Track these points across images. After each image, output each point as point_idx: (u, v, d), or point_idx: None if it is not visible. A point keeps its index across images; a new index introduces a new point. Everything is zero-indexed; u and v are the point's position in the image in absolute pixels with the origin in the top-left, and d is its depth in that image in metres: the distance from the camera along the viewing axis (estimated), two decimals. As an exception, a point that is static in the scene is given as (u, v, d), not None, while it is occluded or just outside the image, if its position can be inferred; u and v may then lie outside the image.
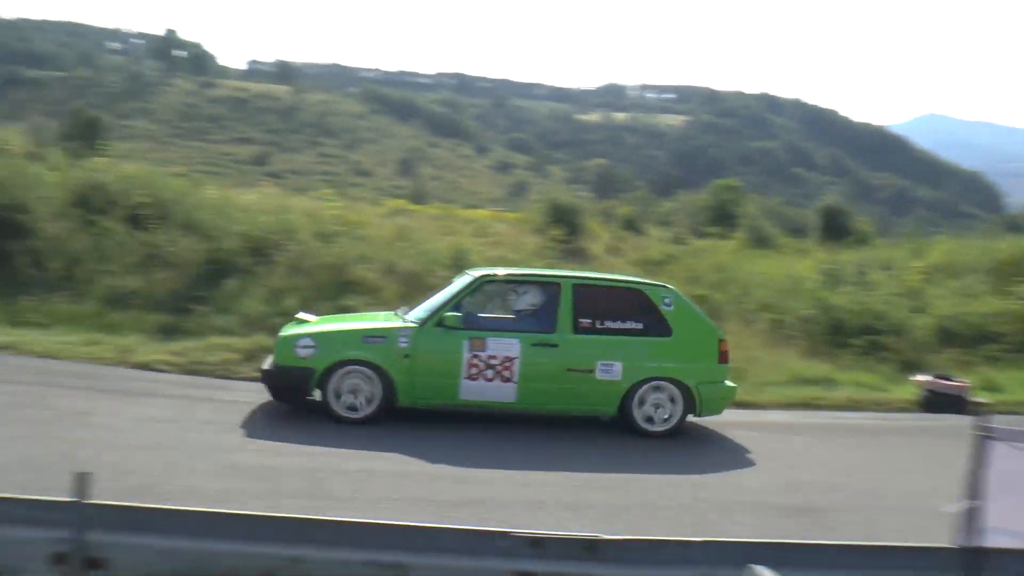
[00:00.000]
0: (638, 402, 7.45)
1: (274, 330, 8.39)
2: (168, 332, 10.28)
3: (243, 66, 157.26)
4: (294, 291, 11.36)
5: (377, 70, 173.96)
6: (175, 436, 6.69)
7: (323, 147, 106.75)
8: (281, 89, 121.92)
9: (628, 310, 7.54)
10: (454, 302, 7.47)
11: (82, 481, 3.06)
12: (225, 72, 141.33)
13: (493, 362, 7.23)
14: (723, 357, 7.60)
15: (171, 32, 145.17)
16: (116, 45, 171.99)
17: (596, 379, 7.38)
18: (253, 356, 9.22)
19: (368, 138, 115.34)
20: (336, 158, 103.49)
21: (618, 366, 7.37)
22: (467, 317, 7.44)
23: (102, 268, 11.68)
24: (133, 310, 10.84)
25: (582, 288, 7.58)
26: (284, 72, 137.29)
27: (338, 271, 11.88)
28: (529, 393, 7.35)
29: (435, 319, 7.35)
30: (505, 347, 7.27)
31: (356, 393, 7.22)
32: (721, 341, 7.61)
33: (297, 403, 7.44)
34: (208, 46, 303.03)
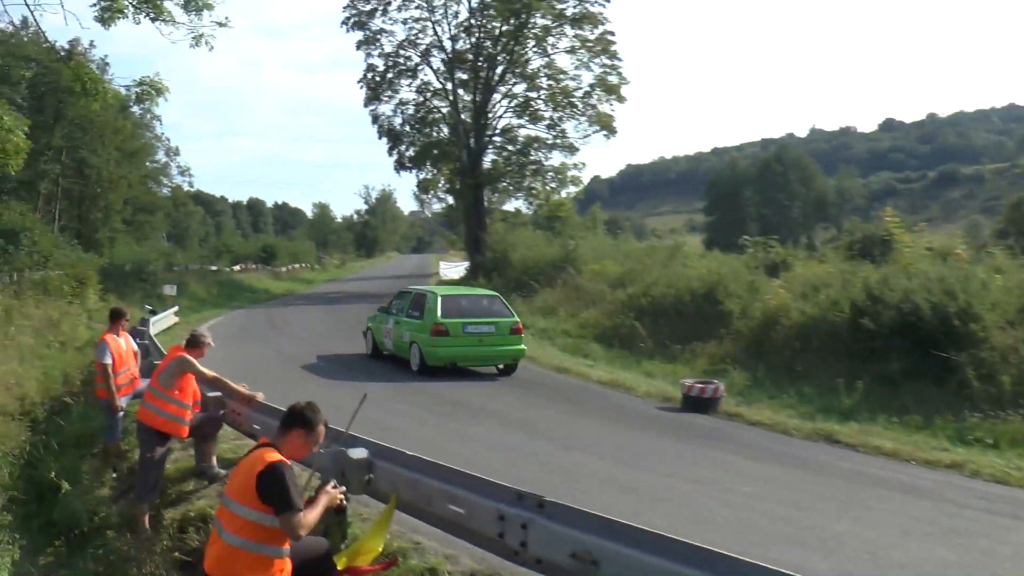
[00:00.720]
0: (413, 352, 16.02)
1: None
2: None
3: None
4: None
5: None
6: None
7: None
8: None
9: (418, 305, 16.33)
10: (389, 301, 18.01)
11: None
12: None
13: (388, 330, 17.19)
14: (434, 332, 15.51)
15: None
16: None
17: (404, 340, 16.40)
18: None
19: None
20: None
21: (408, 334, 16.23)
22: (395, 309, 17.33)
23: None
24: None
25: (416, 294, 16.90)
26: None
27: None
28: (394, 345, 16.94)
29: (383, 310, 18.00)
30: (390, 323, 17.07)
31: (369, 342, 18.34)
32: (434, 324, 15.50)
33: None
34: None
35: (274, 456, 4.54)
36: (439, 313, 15.54)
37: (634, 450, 10.25)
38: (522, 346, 16.04)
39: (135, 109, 44.62)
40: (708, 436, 11.17)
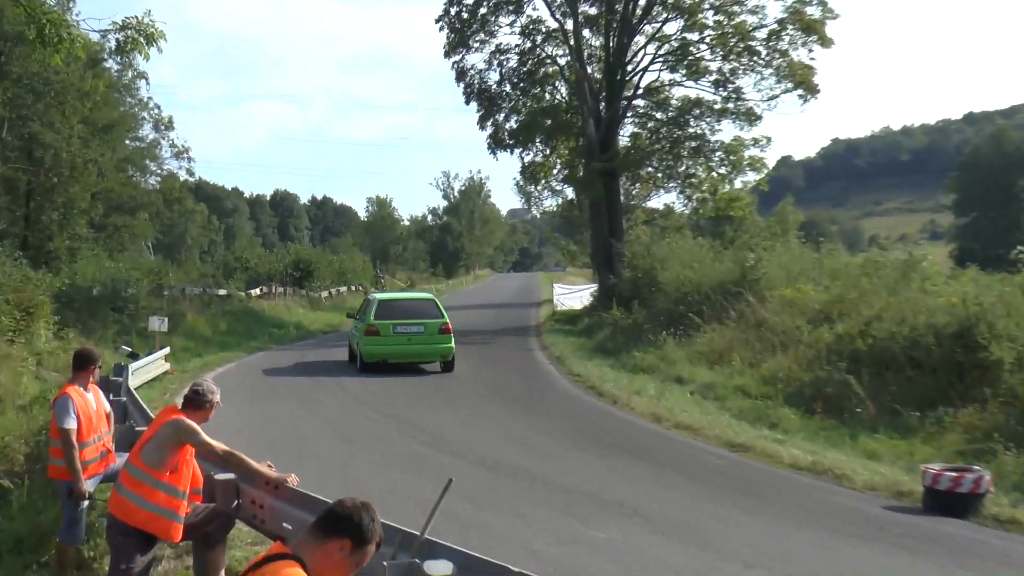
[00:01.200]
0: (357, 352, 28.97)
1: None
2: None
3: None
4: None
5: None
6: None
7: None
8: None
9: (365, 309, 30.04)
10: (359, 307, 34.03)
11: None
12: None
13: (354, 332, 30.29)
14: (367, 332, 27.29)
15: None
16: None
17: (355, 338, 29.95)
18: None
19: None
20: None
21: (357, 335, 29.29)
22: (359, 315, 31.07)
23: None
24: None
25: (367, 300, 33.08)
26: None
27: None
28: (353, 342, 30.34)
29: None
30: (352, 326, 31.31)
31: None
32: (367, 326, 27.30)
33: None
34: None
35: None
36: (372, 315, 26.94)
37: (853, 572, 10.04)
38: (451, 344, 27.06)
39: (111, 64, 45.32)
40: (967, 553, 10.83)
